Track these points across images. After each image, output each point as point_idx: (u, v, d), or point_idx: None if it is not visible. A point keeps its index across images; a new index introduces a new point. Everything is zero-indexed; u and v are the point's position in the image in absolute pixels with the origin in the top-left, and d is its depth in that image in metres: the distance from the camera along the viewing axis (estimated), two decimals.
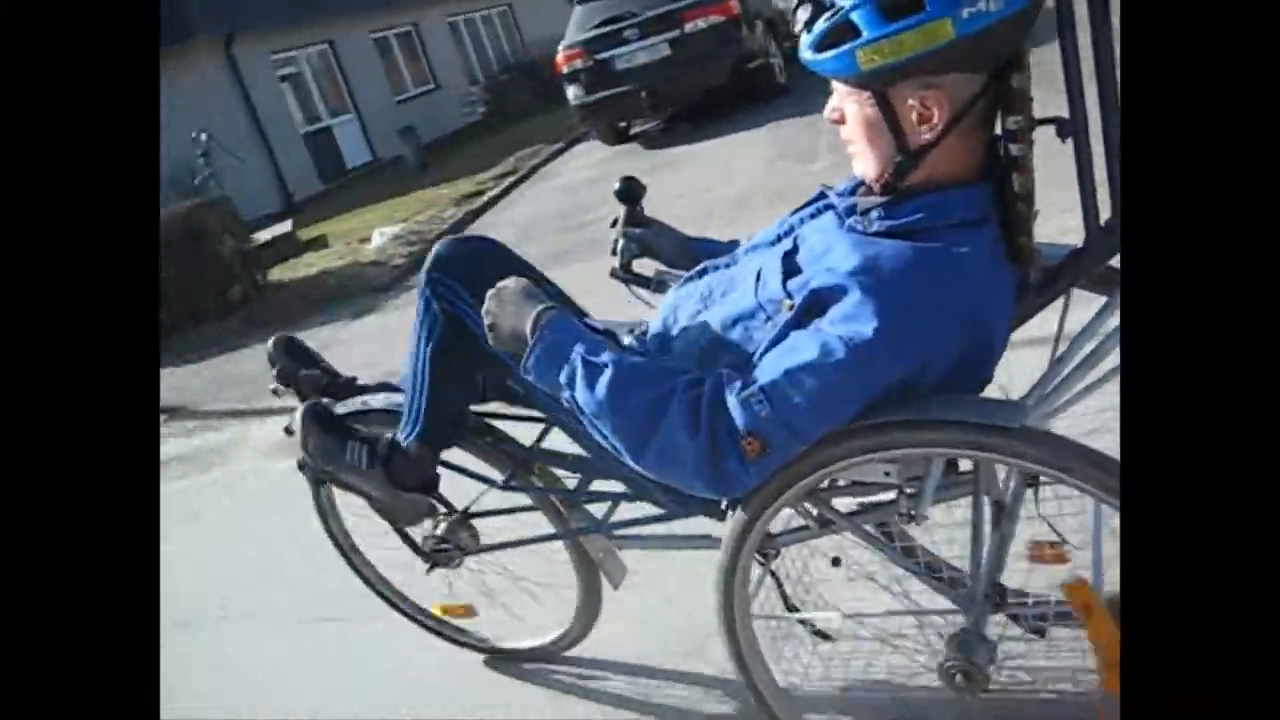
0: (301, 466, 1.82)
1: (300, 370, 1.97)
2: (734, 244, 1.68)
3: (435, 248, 1.62)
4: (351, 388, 1.99)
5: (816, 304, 1.17)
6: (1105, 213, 1.19)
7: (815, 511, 1.41)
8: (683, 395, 1.19)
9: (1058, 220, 1.40)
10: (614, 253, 1.78)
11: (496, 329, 1.37)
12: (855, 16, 1.10)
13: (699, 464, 1.18)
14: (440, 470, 1.85)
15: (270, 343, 2.00)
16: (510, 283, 1.39)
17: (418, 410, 1.70)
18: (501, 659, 2.20)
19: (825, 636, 1.55)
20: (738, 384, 1.17)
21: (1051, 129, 1.17)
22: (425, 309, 1.63)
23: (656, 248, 1.75)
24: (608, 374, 1.23)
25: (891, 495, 1.35)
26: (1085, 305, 1.32)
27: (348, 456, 1.75)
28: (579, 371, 1.26)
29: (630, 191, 1.79)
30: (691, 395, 1.19)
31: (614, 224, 1.80)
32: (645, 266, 1.78)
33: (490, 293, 1.39)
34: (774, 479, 1.24)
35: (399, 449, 1.75)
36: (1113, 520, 1.18)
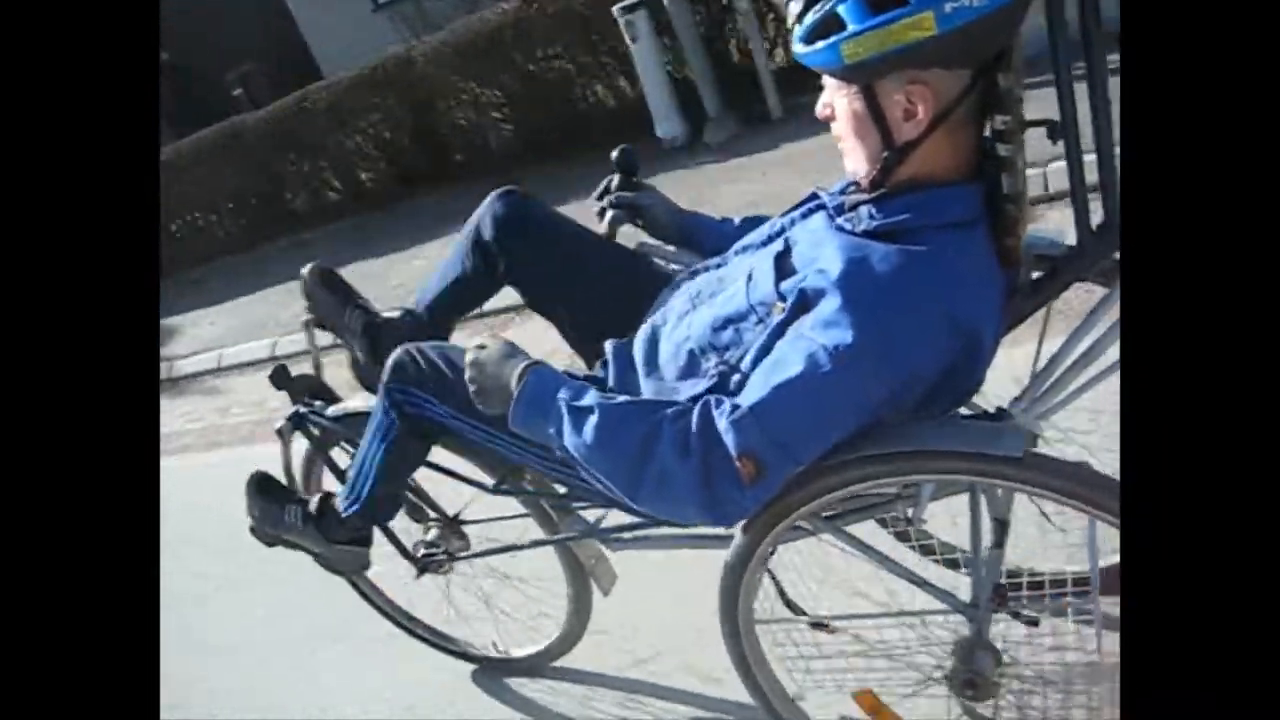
0: (252, 531, 1.92)
1: (339, 307, 1.90)
2: (726, 221, 1.68)
3: (391, 359, 1.63)
4: (387, 329, 1.89)
5: (805, 306, 1.16)
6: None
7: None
8: (671, 427, 1.17)
9: None
10: (600, 218, 1.76)
11: (481, 392, 1.35)
12: (842, 10, 1.08)
13: (695, 494, 1.15)
14: (430, 474, 1.84)
15: (305, 272, 1.93)
16: (488, 343, 1.38)
17: (361, 493, 1.76)
18: (490, 668, 2.19)
19: (828, 630, 1.54)
20: (726, 406, 1.15)
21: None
22: (384, 414, 1.66)
23: (645, 214, 1.73)
24: (594, 418, 1.22)
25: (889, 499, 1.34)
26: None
27: (286, 518, 1.86)
28: (565, 419, 1.24)
29: (627, 161, 1.77)
30: (680, 425, 1.17)
31: (604, 190, 1.77)
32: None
33: (469, 359, 1.37)
34: (774, 505, 1.23)
35: (332, 511, 1.81)
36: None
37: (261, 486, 1.91)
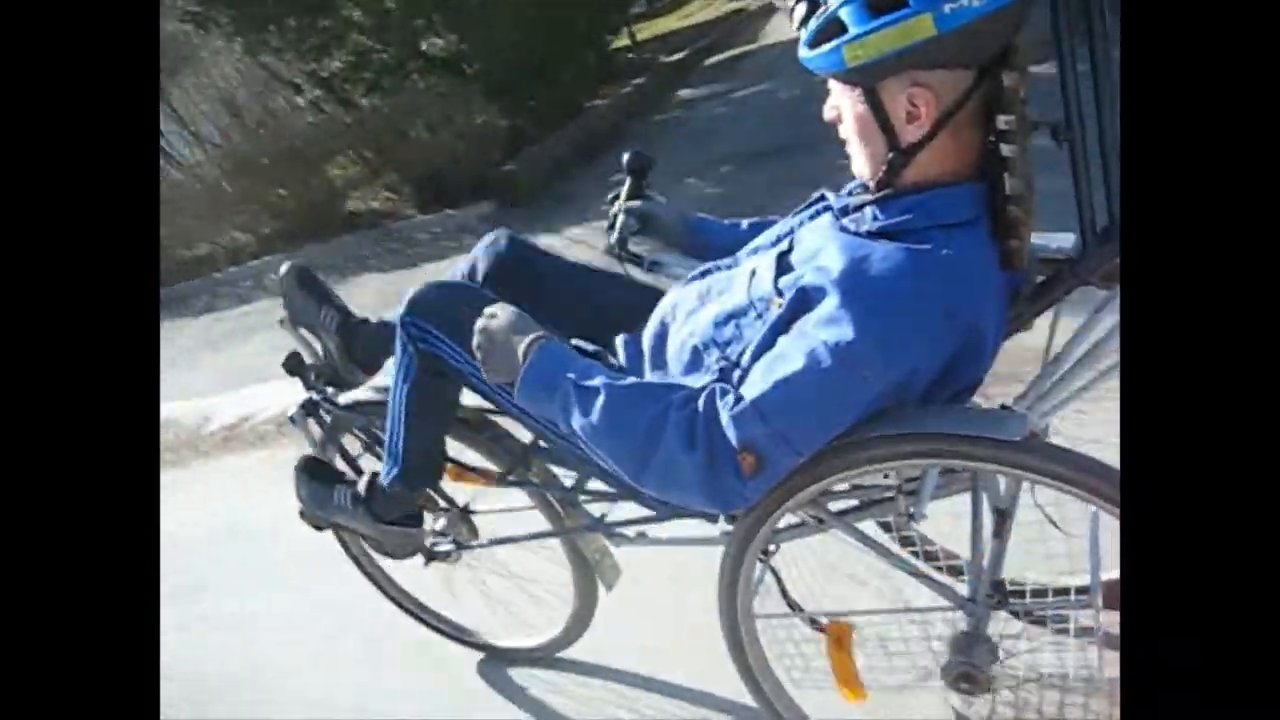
0: (301, 515, 1.92)
1: (315, 307, 1.95)
2: (736, 225, 1.69)
3: (412, 293, 1.64)
4: (361, 330, 1.95)
5: (805, 303, 1.17)
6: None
7: (813, 512, 1.41)
8: (677, 413, 1.18)
9: None
10: (610, 228, 1.77)
11: (488, 362, 1.36)
12: (843, 13, 1.10)
13: (698, 481, 1.17)
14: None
15: (282, 271, 1.99)
16: (498, 312, 1.38)
17: (396, 451, 1.73)
18: (495, 659, 2.21)
19: (827, 626, 1.55)
20: (730, 398, 1.16)
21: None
22: (402, 351, 1.65)
23: (656, 224, 1.73)
24: (600, 398, 1.23)
25: (890, 494, 1.35)
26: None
27: (335, 500, 1.85)
28: (572, 398, 1.25)
29: (638, 164, 1.77)
30: (686, 413, 1.18)
31: (614, 198, 1.78)
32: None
33: (478, 325, 1.37)
34: (775, 492, 1.23)
35: (378, 488, 1.80)
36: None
37: (310, 469, 1.91)
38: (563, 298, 1.71)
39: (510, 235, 1.78)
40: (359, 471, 1.98)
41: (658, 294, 1.67)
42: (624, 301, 1.69)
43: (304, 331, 1.98)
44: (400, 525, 1.83)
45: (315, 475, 1.91)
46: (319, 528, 1.92)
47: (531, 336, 1.32)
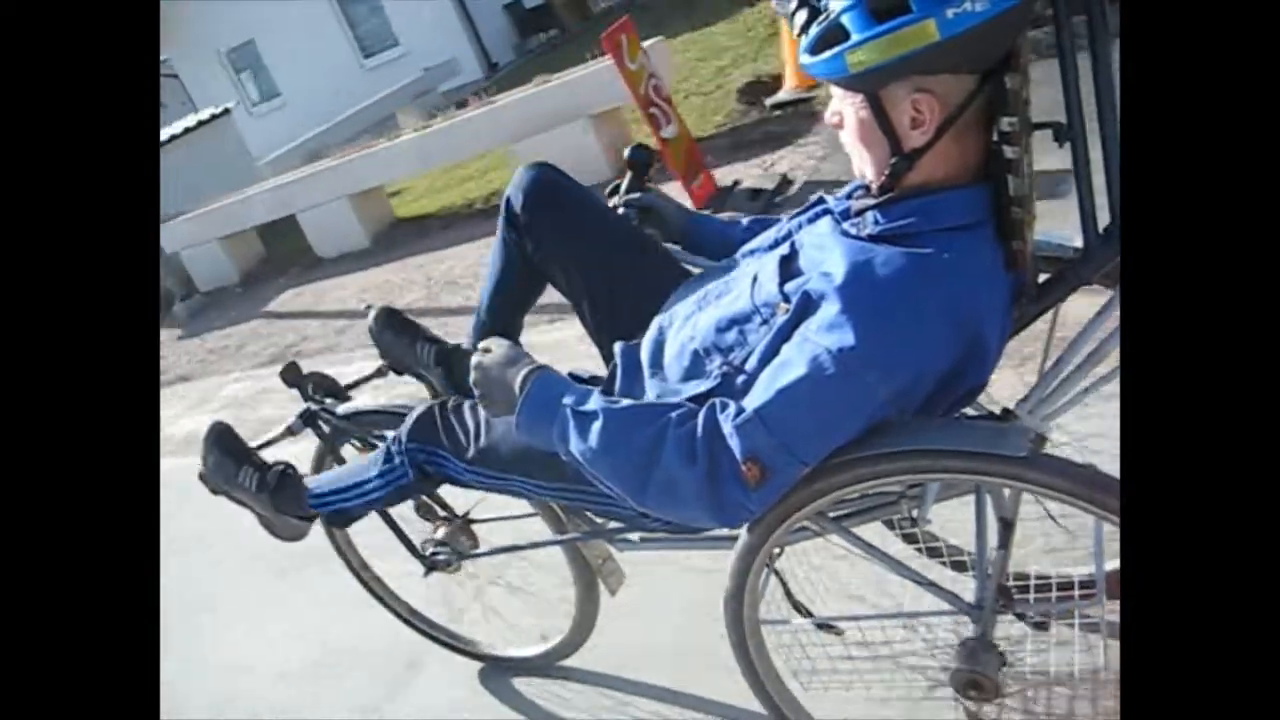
0: (202, 478, 1.94)
1: (409, 344, 1.96)
2: (734, 224, 1.69)
3: (409, 420, 1.68)
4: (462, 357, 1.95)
5: (809, 308, 1.16)
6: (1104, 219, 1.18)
7: (815, 522, 1.40)
8: (675, 430, 1.18)
9: None
10: None
11: (486, 396, 1.36)
12: (845, 19, 1.09)
13: (701, 498, 1.16)
14: None
15: (370, 316, 1.99)
16: (493, 346, 1.39)
17: (340, 508, 1.81)
18: (496, 667, 2.20)
19: (834, 630, 1.55)
20: (731, 410, 1.15)
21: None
22: (400, 466, 1.69)
23: (657, 217, 1.74)
24: (598, 422, 1.22)
25: (893, 499, 1.34)
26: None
27: (240, 478, 1.89)
28: (570, 424, 1.25)
29: (640, 158, 1.78)
30: (686, 429, 1.17)
31: (613, 191, 1.79)
32: None
33: (474, 362, 1.37)
34: (779, 505, 1.22)
35: (288, 483, 1.86)
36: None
37: (220, 439, 1.92)
38: (590, 236, 1.70)
39: (537, 165, 1.74)
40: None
41: (674, 259, 1.71)
42: (645, 254, 1.70)
43: (403, 372, 1.99)
44: (297, 519, 1.89)
45: (225, 448, 1.91)
46: (214, 493, 1.94)
47: (527, 369, 1.32)
